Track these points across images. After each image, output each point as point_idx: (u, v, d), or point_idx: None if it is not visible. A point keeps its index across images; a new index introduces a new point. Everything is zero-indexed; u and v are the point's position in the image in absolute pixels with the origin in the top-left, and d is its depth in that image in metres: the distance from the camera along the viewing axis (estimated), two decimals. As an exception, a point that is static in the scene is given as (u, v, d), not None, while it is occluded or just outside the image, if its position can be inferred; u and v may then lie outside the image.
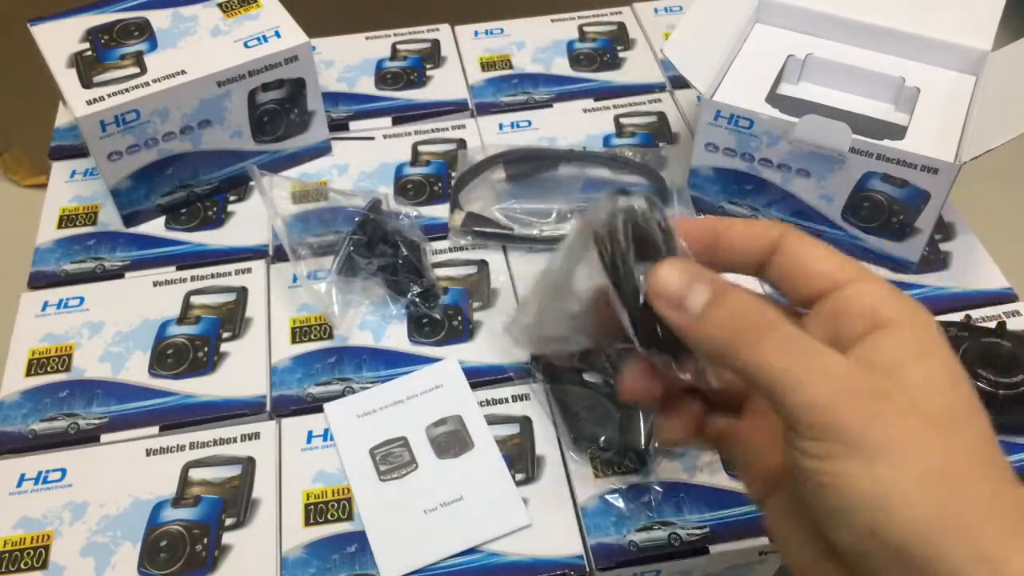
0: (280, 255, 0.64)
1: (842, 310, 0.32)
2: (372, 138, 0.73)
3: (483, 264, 0.64)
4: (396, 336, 0.60)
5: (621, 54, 0.80)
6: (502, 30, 0.82)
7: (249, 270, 0.63)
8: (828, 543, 0.31)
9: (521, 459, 0.54)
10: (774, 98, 0.62)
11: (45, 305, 0.62)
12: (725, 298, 0.32)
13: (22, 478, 0.53)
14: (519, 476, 0.53)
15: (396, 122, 0.74)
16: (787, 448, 0.31)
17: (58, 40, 0.65)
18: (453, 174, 0.69)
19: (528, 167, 0.68)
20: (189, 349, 0.59)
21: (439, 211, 0.67)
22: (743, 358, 0.31)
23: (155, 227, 0.67)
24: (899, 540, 0.28)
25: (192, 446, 0.54)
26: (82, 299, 0.62)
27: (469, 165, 0.68)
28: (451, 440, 0.54)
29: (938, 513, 0.28)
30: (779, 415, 0.31)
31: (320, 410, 0.56)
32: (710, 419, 0.38)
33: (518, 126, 0.73)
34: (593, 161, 0.69)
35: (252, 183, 0.69)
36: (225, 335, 0.59)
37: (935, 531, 0.28)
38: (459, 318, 0.60)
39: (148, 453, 0.54)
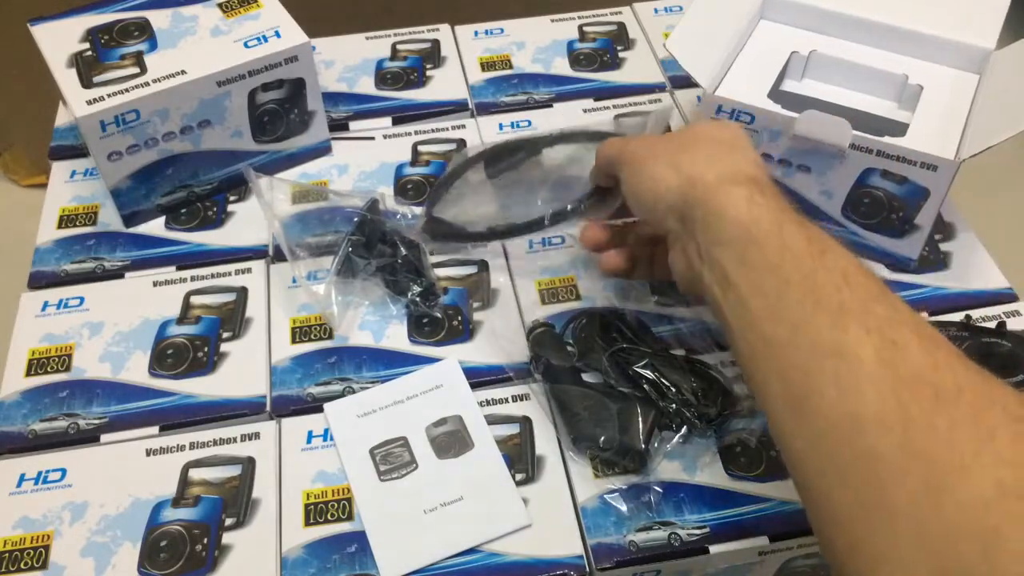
0: (280, 255, 0.64)
1: None
2: (372, 138, 0.73)
3: (483, 264, 0.64)
4: (396, 336, 0.60)
5: (621, 54, 0.80)
6: (502, 30, 0.82)
7: (249, 270, 0.63)
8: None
9: (521, 459, 0.54)
10: (777, 94, 0.62)
11: (45, 305, 0.62)
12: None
13: (22, 478, 0.53)
14: (519, 476, 0.53)
15: (396, 122, 0.74)
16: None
17: (58, 40, 0.65)
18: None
19: (508, 162, 0.66)
20: (189, 349, 0.59)
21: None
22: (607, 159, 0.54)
23: (155, 227, 0.67)
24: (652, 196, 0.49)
25: (192, 446, 0.54)
26: (82, 299, 0.62)
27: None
28: (451, 440, 0.54)
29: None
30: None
31: (320, 410, 0.56)
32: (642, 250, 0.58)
33: (518, 126, 0.73)
34: (574, 139, 0.66)
35: (252, 183, 0.69)
36: (225, 335, 0.59)
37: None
38: (459, 318, 0.60)
39: (148, 453, 0.54)
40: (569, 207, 0.58)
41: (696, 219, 0.46)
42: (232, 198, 0.69)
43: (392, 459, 0.53)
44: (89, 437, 0.55)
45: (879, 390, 0.36)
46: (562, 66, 0.79)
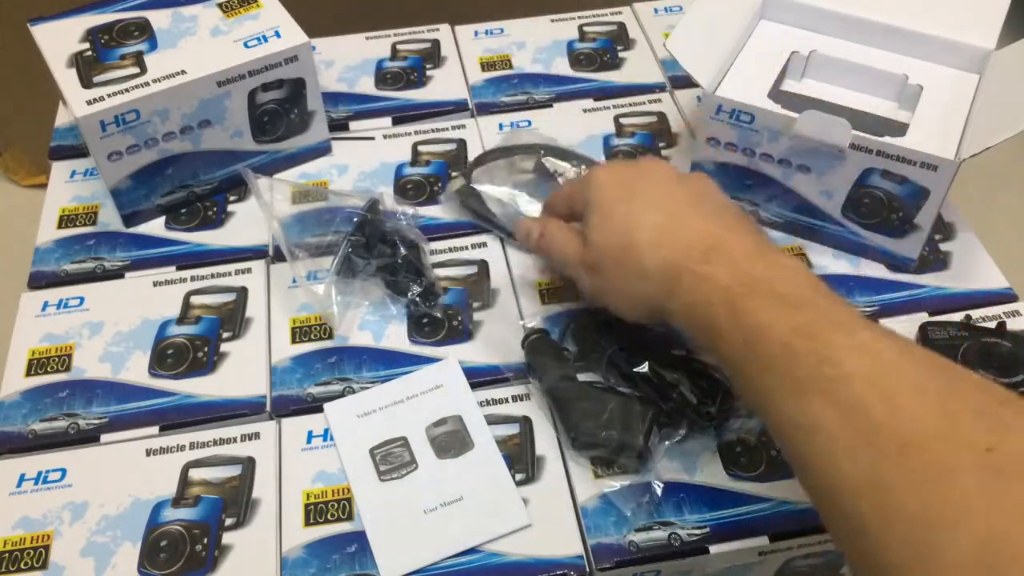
0: (280, 255, 0.64)
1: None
2: (372, 138, 0.73)
3: (483, 264, 0.64)
4: (396, 336, 0.60)
5: (621, 54, 0.80)
6: (502, 30, 0.82)
7: (249, 270, 0.63)
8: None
9: (521, 459, 0.54)
10: (777, 94, 0.62)
11: (45, 305, 0.62)
12: (544, 226, 0.57)
13: (22, 478, 0.53)
14: (519, 476, 0.53)
15: (396, 122, 0.74)
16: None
17: (58, 40, 0.65)
18: (453, 174, 0.69)
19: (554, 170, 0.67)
20: (189, 349, 0.59)
21: (439, 211, 0.67)
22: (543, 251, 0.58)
23: (155, 227, 0.67)
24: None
25: (192, 446, 0.54)
26: (82, 299, 0.62)
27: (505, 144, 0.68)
28: (451, 440, 0.54)
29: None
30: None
31: (320, 410, 0.56)
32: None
33: (518, 126, 0.73)
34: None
35: (252, 183, 0.69)
36: (225, 335, 0.59)
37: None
38: (459, 318, 0.60)
39: (148, 453, 0.54)
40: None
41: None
42: (232, 198, 0.69)
43: (392, 459, 0.53)
44: (89, 437, 0.55)
45: (848, 456, 0.37)
46: (562, 66, 0.79)
